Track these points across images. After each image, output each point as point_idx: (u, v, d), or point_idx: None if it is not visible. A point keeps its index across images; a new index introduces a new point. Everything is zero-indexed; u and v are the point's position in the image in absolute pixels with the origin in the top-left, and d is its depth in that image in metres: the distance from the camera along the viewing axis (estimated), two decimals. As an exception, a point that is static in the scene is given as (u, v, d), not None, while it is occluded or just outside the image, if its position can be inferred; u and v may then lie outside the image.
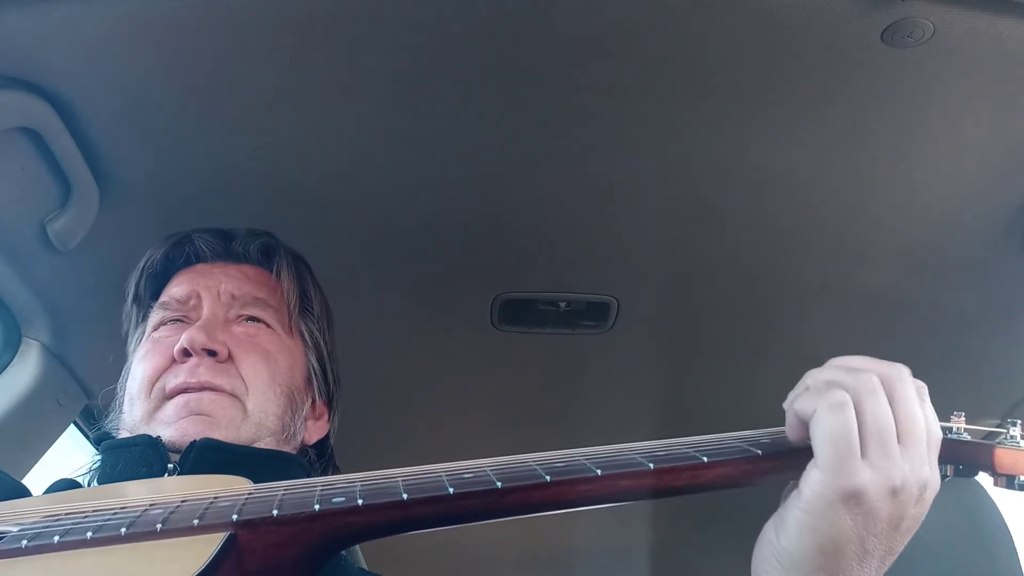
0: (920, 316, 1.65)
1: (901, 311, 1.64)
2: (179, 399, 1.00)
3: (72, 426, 1.59)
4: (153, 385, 1.03)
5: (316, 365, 1.15)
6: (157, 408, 1.01)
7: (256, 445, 1.02)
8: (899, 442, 0.65)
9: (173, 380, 1.02)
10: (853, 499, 0.62)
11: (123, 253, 1.39)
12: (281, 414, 1.06)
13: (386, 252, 1.52)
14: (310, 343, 1.15)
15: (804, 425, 0.67)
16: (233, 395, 1.02)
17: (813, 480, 0.64)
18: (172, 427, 0.98)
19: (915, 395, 0.67)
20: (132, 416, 1.03)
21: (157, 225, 1.34)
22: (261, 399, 1.04)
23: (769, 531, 0.67)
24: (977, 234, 1.43)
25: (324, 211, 1.41)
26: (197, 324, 1.06)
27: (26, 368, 1.43)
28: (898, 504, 0.64)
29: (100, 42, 1.07)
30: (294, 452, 1.08)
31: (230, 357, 1.04)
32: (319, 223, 1.43)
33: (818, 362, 0.73)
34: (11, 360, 1.43)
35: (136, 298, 1.16)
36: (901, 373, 0.68)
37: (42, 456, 1.47)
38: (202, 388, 1.01)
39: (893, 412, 0.65)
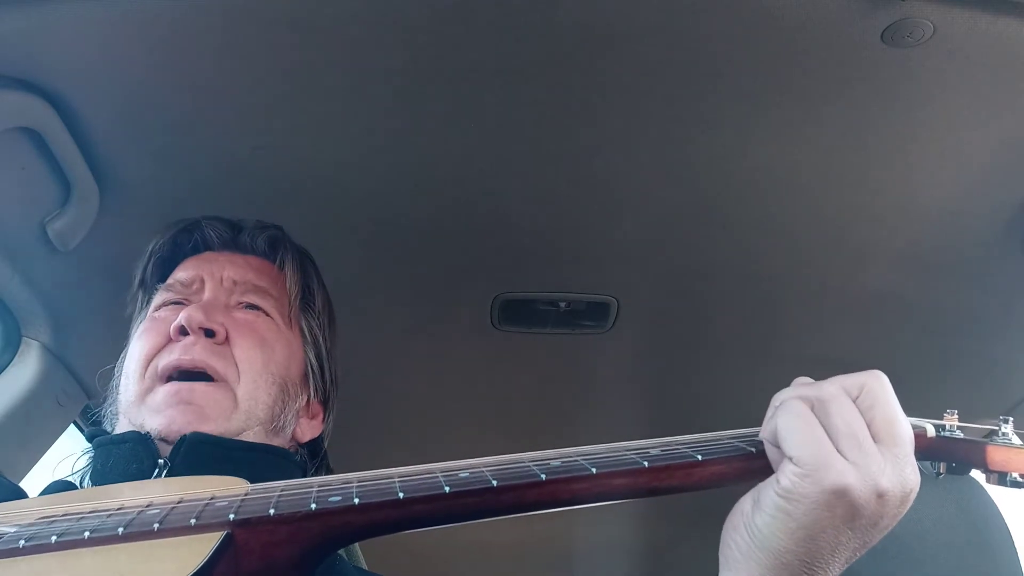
0: (920, 316, 1.65)
1: (901, 311, 1.63)
2: (170, 387, 0.99)
3: (72, 426, 1.59)
4: (148, 363, 1.02)
5: (314, 362, 1.14)
6: (149, 390, 1.01)
7: (245, 435, 1.01)
8: (876, 441, 0.65)
9: (167, 357, 1.01)
10: (835, 496, 0.63)
11: (123, 253, 1.39)
12: (272, 404, 1.04)
13: (386, 252, 1.52)
14: (309, 339, 1.14)
15: (778, 448, 0.67)
16: (224, 382, 1.01)
17: (789, 471, 0.64)
18: (160, 415, 0.97)
19: (893, 399, 0.67)
20: (126, 396, 1.03)
21: (157, 225, 1.34)
22: (252, 387, 1.03)
23: (746, 503, 0.67)
24: (977, 234, 1.43)
25: (324, 211, 1.41)
26: (196, 304, 1.06)
27: (26, 368, 1.43)
28: (882, 505, 0.64)
29: (100, 42, 1.07)
30: (285, 447, 1.07)
31: (227, 340, 1.04)
32: (319, 223, 1.43)
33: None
34: (11, 360, 1.43)
35: (142, 282, 1.17)
36: (875, 378, 0.68)
37: (42, 456, 1.47)
38: (195, 367, 1.00)
39: (865, 414, 0.66)
